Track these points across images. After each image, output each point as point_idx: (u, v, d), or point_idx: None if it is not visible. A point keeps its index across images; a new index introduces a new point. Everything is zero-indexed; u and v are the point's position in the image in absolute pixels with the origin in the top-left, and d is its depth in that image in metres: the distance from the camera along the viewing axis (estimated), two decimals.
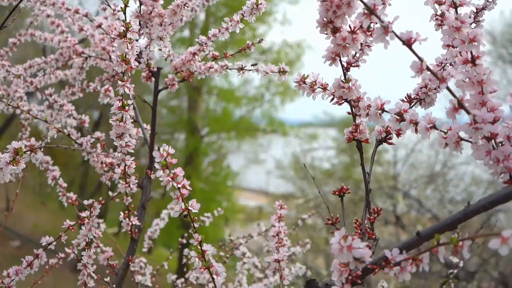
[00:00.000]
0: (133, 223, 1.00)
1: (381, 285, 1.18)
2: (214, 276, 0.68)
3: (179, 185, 0.65)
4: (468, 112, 0.54)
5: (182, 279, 1.44)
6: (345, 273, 0.55)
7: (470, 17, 0.74)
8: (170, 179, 0.65)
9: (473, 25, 0.74)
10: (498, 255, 6.46)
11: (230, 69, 1.01)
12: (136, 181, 0.94)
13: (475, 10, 0.74)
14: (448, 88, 0.54)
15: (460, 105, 0.54)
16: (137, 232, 1.03)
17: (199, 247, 0.68)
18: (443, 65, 0.71)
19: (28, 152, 0.68)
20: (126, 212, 0.99)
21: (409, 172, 7.57)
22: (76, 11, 1.12)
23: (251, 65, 0.99)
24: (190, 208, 0.66)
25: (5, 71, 1.15)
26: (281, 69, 0.88)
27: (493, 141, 0.55)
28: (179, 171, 0.65)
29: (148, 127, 1.16)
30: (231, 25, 0.95)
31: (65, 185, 1.14)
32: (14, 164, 0.69)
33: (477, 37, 0.55)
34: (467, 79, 0.57)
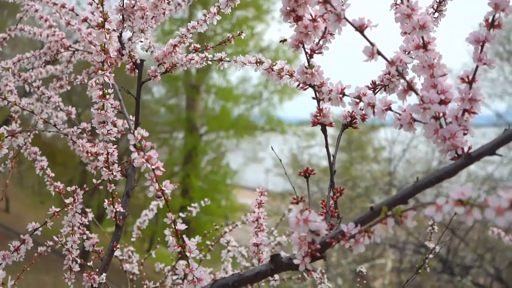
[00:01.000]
0: (117, 210, 1.04)
1: None
2: (187, 254, 0.71)
3: (153, 167, 0.68)
4: (417, 94, 0.57)
5: (169, 267, 1.48)
6: (304, 246, 0.59)
7: (432, 6, 0.78)
8: (145, 161, 0.68)
9: (436, 14, 0.77)
10: (494, 251, 6.51)
11: (210, 60, 1.05)
12: (119, 169, 0.98)
13: (438, 0, 0.77)
14: (398, 71, 0.57)
15: (409, 87, 0.58)
16: (122, 219, 1.06)
17: (173, 226, 0.71)
18: (406, 52, 0.75)
19: (9, 137, 0.72)
20: (110, 199, 1.03)
21: (406, 169, 7.62)
22: (63, 6, 1.16)
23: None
24: (163, 188, 0.69)
25: None
26: (258, 60, 0.92)
27: (443, 120, 0.59)
28: (153, 153, 0.69)
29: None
30: (208, 17, 0.99)
31: (52, 174, 1.17)
32: None
33: (427, 23, 0.58)
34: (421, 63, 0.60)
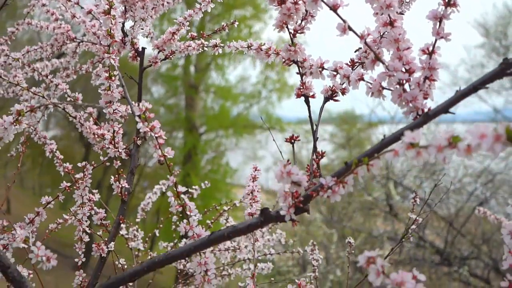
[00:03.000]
0: (123, 186, 1.13)
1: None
2: (188, 213, 0.80)
3: (157, 135, 0.77)
4: (383, 63, 0.66)
5: (172, 243, 1.57)
6: (289, 197, 0.68)
7: None
8: (149, 130, 0.77)
9: None
10: (490, 242, 6.60)
11: (206, 47, 1.14)
12: (124, 147, 1.07)
13: None
14: (366, 44, 0.66)
15: (376, 57, 0.67)
16: (127, 194, 1.15)
17: (175, 189, 0.81)
18: (381, 33, 0.84)
19: (29, 112, 0.81)
20: (116, 176, 1.12)
21: (402, 162, 7.72)
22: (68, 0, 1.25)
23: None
24: (166, 154, 0.78)
25: (5, 55, 1.28)
26: (249, 45, 1.00)
27: (407, 86, 0.68)
28: (156, 123, 0.78)
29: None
30: (203, 5, 1.08)
31: (61, 157, 1.26)
32: (17, 124, 0.82)
33: (392, 3, 0.67)
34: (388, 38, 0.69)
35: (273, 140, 1.20)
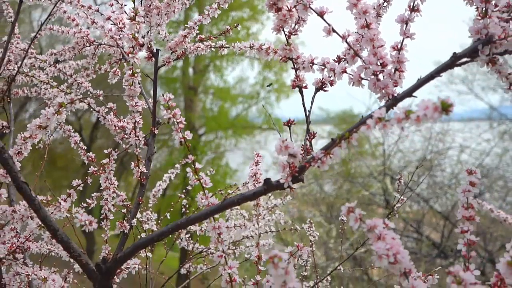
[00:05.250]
0: (142, 171, 1.28)
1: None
2: (204, 185, 0.96)
3: (178, 120, 0.93)
4: (360, 58, 0.82)
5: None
6: (287, 168, 0.84)
7: None
8: (171, 116, 0.93)
9: (385, 3, 1.02)
10: (485, 235, 6.77)
11: (213, 48, 1.30)
12: (144, 135, 1.22)
13: None
14: (347, 43, 0.82)
15: (355, 53, 0.83)
16: (145, 178, 1.31)
17: (193, 166, 0.96)
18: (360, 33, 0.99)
19: (69, 104, 0.96)
20: (136, 161, 1.27)
21: (400, 159, 7.89)
22: (89, 7, 1.40)
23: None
24: (185, 136, 0.94)
25: (33, 57, 1.43)
26: (251, 45, 1.16)
27: (381, 76, 0.84)
28: (177, 111, 0.94)
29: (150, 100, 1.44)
30: (211, 11, 1.24)
31: (85, 147, 1.41)
32: (58, 114, 0.97)
33: (368, 9, 0.83)
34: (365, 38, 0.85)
35: (277, 131, 1.35)
